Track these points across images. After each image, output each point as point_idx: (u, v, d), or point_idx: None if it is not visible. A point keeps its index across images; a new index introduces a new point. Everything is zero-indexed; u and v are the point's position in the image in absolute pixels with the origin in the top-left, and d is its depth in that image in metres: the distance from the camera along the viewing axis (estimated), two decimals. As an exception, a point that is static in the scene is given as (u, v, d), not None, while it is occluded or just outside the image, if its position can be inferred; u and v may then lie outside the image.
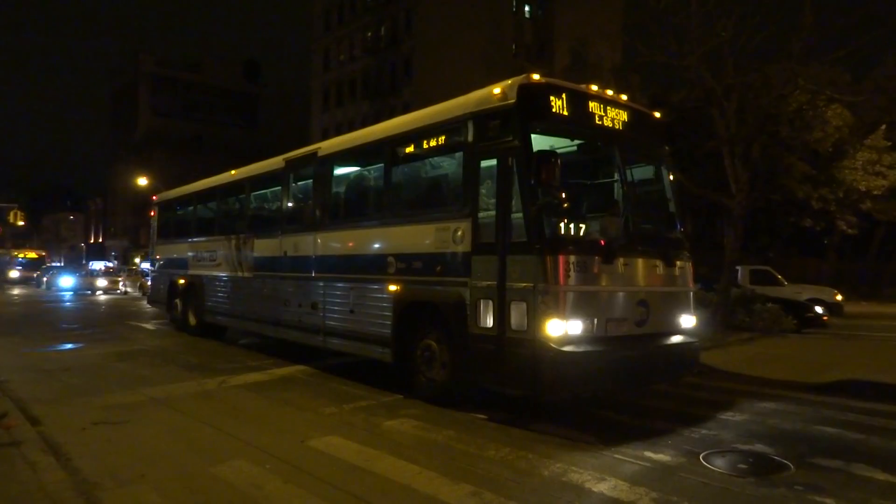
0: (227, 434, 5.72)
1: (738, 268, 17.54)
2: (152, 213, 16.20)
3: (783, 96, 14.62)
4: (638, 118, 6.99)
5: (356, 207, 9.00)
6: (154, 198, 16.40)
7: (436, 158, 7.56)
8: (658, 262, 6.49)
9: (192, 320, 13.13)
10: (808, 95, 15.61)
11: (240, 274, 11.16)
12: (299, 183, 9.95)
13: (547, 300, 5.55)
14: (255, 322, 10.78)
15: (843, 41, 13.54)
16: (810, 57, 13.95)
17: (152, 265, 16.22)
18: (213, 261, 12.24)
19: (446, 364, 6.67)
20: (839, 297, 18.07)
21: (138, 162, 61.11)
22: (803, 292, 17.12)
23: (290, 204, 10.09)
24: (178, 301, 13.88)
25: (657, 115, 7.48)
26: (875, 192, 22.75)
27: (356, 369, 9.02)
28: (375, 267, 7.68)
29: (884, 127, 22.82)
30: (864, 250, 31.56)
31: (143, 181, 44.29)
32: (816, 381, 8.47)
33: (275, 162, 10.47)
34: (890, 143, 22.82)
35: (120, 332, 14.09)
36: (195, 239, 13.31)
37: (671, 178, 7.40)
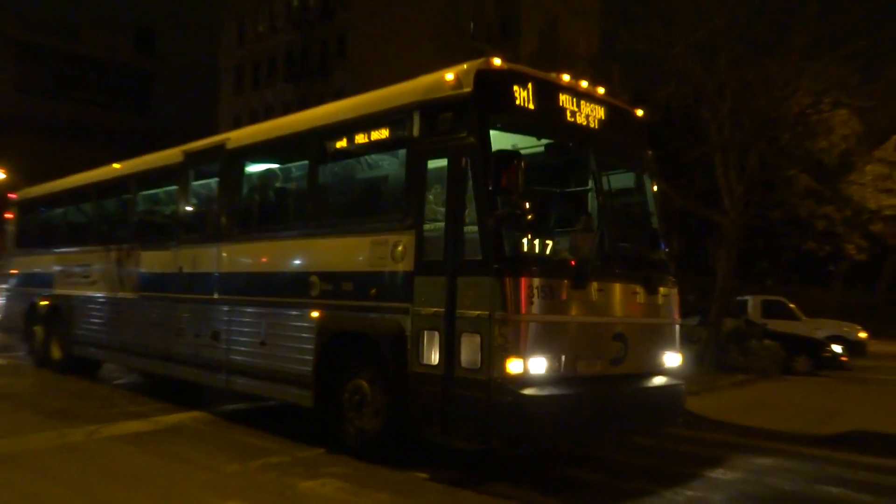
0: (97, 502, 5.52)
1: (748, 298, 18.00)
2: (10, 216, 15.72)
3: (784, 98, 15.26)
4: (617, 116, 7.19)
5: (273, 214, 9.00)
6: (13, 196, 15.90)
7: (373, 156, 7.62)
8: (638, 289, 6.63)
9: (57, 353, 12.70)
10: (812, 97, 16.37)
11: (121, 295, 10.94)
12: (201, 182, 9.91)
13: (505, 332, 5.58)
14: (138, 356, 10.57)
15: (852, 36, 14.23)
16: (815, 52, 14.63)
17: (7, 281, 15.65)
18: (86, 277, 11.96)
19: (380, 410, 6.62)
20: (863, 335, 18.62)
21: (-7, 149, 58.77)
22: (822, 328, 17.65)
23: (188, 208, 10.00)
24: (38, 328, 13.43)
25: (640, 113, 7.70)
26: (886, 212, 23.96)
27: (267, 416, 8.90)
28: (294, 288, 7.64)
29: (896, 137, 24.12)
30: (873, 279, 32.91)
31: (-2, 175, 42.51)
32: (820, 433, 8.78)
33: (171, 155, 10.35)
34: (903, 157, 24.13)
35: (-41, 368, 13.44)
36: (64, 249, 13.01)
37: (655, 188, 7.61)
